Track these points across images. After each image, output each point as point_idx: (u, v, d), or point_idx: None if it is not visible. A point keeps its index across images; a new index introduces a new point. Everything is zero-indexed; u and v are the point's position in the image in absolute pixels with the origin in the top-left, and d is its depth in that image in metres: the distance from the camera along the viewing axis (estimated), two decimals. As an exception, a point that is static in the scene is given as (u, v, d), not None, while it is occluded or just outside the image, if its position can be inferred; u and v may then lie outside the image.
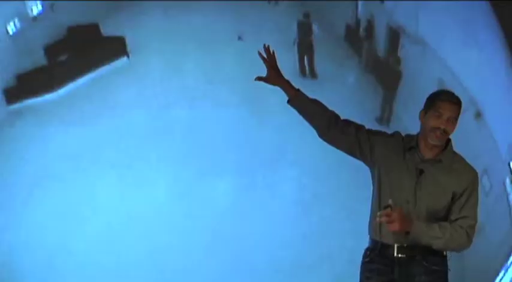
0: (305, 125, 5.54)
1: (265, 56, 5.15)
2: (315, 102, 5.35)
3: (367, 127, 5.51)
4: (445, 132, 5.11)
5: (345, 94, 6.54)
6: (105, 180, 6.43)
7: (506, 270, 6.76)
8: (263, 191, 6.61)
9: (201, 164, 6.48)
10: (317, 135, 5.38)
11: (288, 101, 5.38)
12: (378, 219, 4.95)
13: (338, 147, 5.41)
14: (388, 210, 4.93)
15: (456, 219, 5.24)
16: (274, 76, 5.28)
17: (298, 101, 5.45)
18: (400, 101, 6.53)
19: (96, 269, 6.79)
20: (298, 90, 5.29)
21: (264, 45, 5.11)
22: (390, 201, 4.93)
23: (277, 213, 6.72)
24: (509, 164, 6.56)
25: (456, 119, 5.22)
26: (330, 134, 5.38)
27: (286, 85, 5.31)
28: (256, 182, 6.58)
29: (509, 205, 6.66)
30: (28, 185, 6.35)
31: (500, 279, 7.08)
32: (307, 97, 5.26)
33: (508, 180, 6.58)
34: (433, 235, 5.25)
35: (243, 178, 6.55)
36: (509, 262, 6.93)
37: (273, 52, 5.11)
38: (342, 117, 5.35)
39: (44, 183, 6.35)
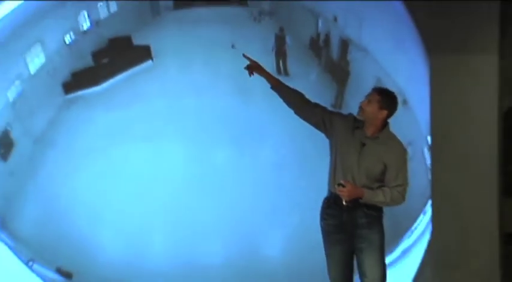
0: (283, 109, 5.39)
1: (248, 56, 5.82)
2: (293, 90, 6.05)
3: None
4: (362, 109, 5.93)
5: (310, 87, 6.89)
6: (136, 151, 7.04)
7: (424, 214, 7.32)
8: (250, 157, 7.17)
9: (206, 138, 7.05)
10: (294, 113, 6.11)
11: (271, 87, 6.12)
12: (336, 187, 5.65)
13: (308, 122, 5.96)
14: (341, 187, 5.67)
15: (394, 186, 6.00)
16: (255, 65, 6.01)
17: (279, 87, 6.12)
18: (349, 93, 7.11)
19: (128, 220, 7.18)
20: (279, 80, 6.05)
21: (243, 54, 5.76)
22: (342, 181, 5.60)
23: (261, 174, 7.22)
24: (426, 138, 7.20)
25: (374, 102, 5.88)
26: (303, 112, 6.00)
27: (267, 75, 5.99)
28: (245, 151, 7.15)
29: (426, 166, 7.29)
30: (79, 155, 6.91)
31: (420, 221, 7.40)
32: (286, 85, 5.98)
33: (425, 149, 7.26)
34: (378, 200, 5.82)
35: (236, 148, 7.12)
36: (425, 208, 7.33)
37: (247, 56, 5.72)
38: (312, 101, 6.14)
39: (91, 154, 6.88)
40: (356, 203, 5.39)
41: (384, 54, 7.62)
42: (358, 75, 7.51)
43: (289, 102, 5.65)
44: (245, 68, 5.63)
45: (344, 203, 5.47)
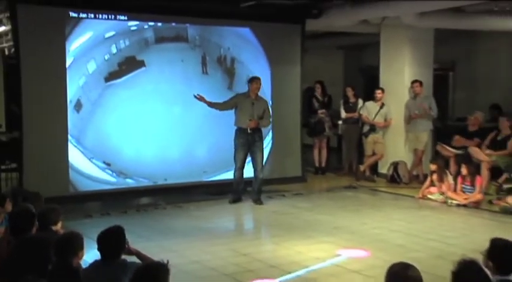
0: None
1: (197, 97, 7.26)
2: (215, 102, 7.47)
3: (231, 95, 7.64)
4: (258, 90, 7.48)
5: (218, 80, 8.22)
6: (138, 108, 7.82)
7: (269, 135, 8.41)
8: (193, 111, 8.17)
9: (171, 102, 8.05)
10: (219, 110, 7.55)
11: (208, 105, 7.48)
12: (248, 123, 7.23)
13: (228, 109, 7.61)
14: (249, 122, 7.23)
15: (267, 117, 7.44)
16: (199, 97, 7.34)
17: (210, 105, 7.49)
18: (235, 82, 8.33)
19: (136, 139, 7.95)
20: (210, 101, 7.45)
21: (194, 95, 7.23)
22: (249, 119, 7.27)
23: (199, 119, 8.23)
24: (269, 101, 8.18)
25: (260, 85, 7.52)
26: (221, 109, 7.56)
27: (204, 100, 7.38)
28: (190, 108, 8.14)
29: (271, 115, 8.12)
30: (112, 110, 7.65)
31: (268, 136, 8.42)
32: (212, 102, 7.44)
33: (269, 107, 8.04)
34: (264, 125, 7.45)
35: (186, 106, 8.12)
36: (269, 131, 8.41)
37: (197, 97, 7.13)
38: (222, 101, 7.47)
39: (117, 109, 7.67)
40: (253, 130, 7.20)
41: (250, 64, 8.54)
42: (239, 74, 8.43)
43: (213, 107, 7.44)
44: (196, 96, 7.38)
45: (249, 130, 7.21)
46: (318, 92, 10.22)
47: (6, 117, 10.58)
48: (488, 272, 2.75)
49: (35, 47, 6.94)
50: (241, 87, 8.19)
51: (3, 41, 8.52)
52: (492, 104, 10.16)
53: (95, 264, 3.32)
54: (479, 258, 2.92)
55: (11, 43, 7.80)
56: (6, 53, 8.96)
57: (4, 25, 7.95)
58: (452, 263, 2.71)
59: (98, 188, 7.48)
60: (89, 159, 7.49)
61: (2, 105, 10.75)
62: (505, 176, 8.00)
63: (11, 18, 6.93)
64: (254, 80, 7.43)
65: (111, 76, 7.57)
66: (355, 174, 9.58)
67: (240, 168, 7.54)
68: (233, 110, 7.63)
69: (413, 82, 8.97)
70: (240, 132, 7.38)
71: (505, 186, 7.89)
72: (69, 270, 3.18)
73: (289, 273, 4.86)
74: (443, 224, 6.65)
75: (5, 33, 8.19)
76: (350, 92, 10.00)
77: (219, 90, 7.94)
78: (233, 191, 7.75)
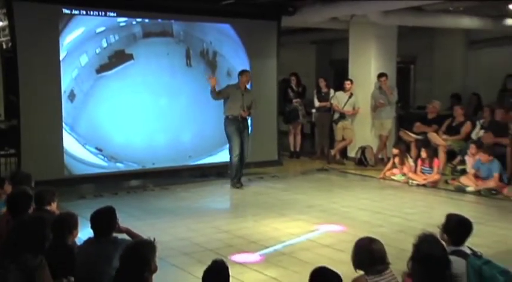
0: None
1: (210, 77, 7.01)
2: (216, 90, 7.16)
3: (224, 86, 7.30)
4: (248, 82, 7.35)
5: (201, 72, 8.09)
6: (128, 98, 7.63)
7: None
8: (177, 101, 8.03)
9: (158, 93, 7.90)
10: (212, 98, 7.26)
11: (210, 91, 7.16)
12: (241, 112, 6.98)
13: (221, 99, 7.31)
14: (243, 111, 7.04)
15: (248, 107, 7.15)
16: (212, 77, 7.16)
17: (214, 89, 7.18)
18: (218, 74, 8.12)
19: (126, 126, 7.80)
20: (214, 89, 7.10)
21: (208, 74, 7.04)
22: (242, 110, 7.05)
23: (183, 107, 8.15)
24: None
25: (249, 78, 7.36)
26: (217, 98, 7.28)
27: (213, 86, 7.11)
28: (175, 98, 8.02)
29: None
30: (103, 99, 7.49)
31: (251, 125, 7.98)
32: (214, 88, 7.11)
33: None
34: (253, 114, 7.25)
35: (171, 97, 7.97)
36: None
37: (211, 76, 6.95)
38: (218, 89, 7.14)
39: (108, 99, 7.51)
40: (244, 118, 7.08)
41: (231, 58, 8.41)
42: (220, 67, 8.32)
43: (213, 95, 7.19)
44: (210, 79, 7.18)
45: (240, 118, 7.20)
46: (293, 83, 10.23)
47: (5, 107, 10.41)
48: (444, 244, 2.87)
49: (30, 41, 6.83)
50: (223, 78, 8.08)
51: (0, 35, 8.37)
52: (453, 93, 10.37)
53: (88, 241, 3.31)
54: (437, 232, 2.98)
55: (8, 38, 7.65)
56: (4, 47, 8.81)
57: (1, 21, 7.82)
58: (413, 236, 2.79)
59: (91, 172, 7.38)
60: (82, 145, 7.35)
61: (1, 96, 10.57)
62: (459, 158, 8.15)
63: (7, 15, 6.81)
64: (244, 73, 7.32)
65: (102, 68, 7.41)
66: (326, 158, 9.55)
67: (238, 154, 7.35)
68: (217, 100, 7.59)
69: (381, 76, 8.96)
70: (231, 120, 7.24)
71: (459, 167, 8.08)
72: (65, 247, 3.13)
73: (267, 247, 4.90)
74: (405, 202, 6.75)
75: (3, 28, 8.06)
76: (322, 83, 9.98)
77: (202, 82, 7.76)
78: (233, 176, 7.50)
